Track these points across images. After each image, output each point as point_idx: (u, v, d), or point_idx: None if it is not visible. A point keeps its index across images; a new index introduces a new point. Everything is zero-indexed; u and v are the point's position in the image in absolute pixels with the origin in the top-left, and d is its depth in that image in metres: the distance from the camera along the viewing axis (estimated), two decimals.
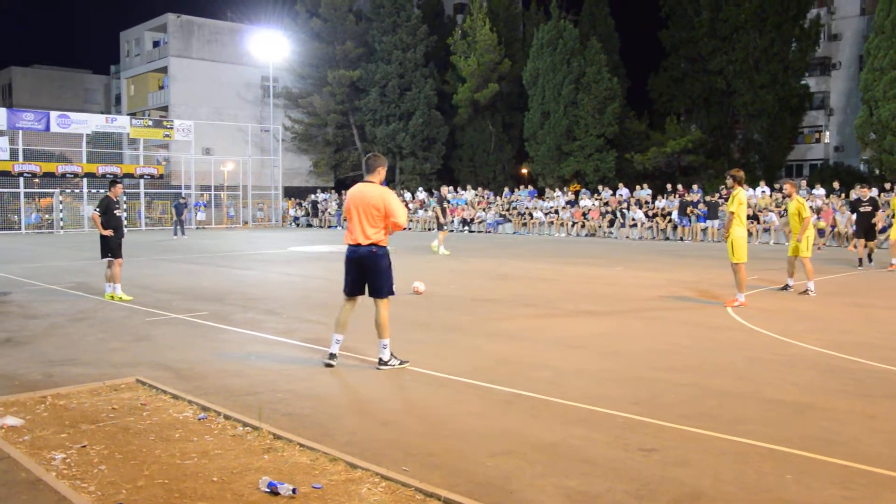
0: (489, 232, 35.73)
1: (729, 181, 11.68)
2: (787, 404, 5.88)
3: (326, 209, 44.76)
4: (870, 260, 17.58)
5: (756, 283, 13.43)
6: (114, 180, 12.77)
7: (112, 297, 12.20)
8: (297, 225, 45.76)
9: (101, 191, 38.04)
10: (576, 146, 43.37)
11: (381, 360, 7.21)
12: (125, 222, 27.74)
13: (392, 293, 7.36)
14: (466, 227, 36.89)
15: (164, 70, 51.57)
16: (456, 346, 8.35)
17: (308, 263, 19.21)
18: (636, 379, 6.74)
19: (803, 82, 41.99)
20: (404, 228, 7.33)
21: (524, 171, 51.90)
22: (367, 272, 7.24)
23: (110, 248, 12.24)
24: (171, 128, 42.50)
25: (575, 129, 43.31)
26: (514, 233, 35.08)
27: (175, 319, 10.16)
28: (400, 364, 7.23)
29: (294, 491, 4.12)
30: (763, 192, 29.39)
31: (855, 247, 18.67)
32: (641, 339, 8.72)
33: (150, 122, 42.69)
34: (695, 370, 7.06)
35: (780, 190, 30.26)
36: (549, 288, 13.70)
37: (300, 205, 47.52)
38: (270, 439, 5.02)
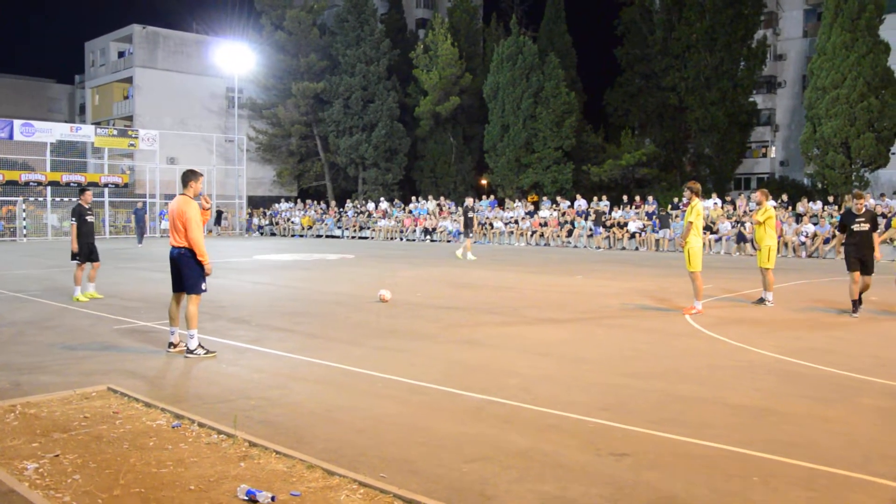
0: (451, 241, 35.72)
1: (686, 193, 11.80)
2: (748, 409, 5.94)
3: (290, 218, 44.41)
4: (860, 302, 11.37)
5: (711, 292, 13.61)
6: (83, 188, 12.95)
7: (84, 296, 12.42)
8: (262, 234, 45.29)
9: (66, 199, 37.31)
10: (534, 158, 43.65)
11: (188, 349, 7.89)
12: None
13: (200, 291, 8.05)
14: (428, 237, 36.84)
15: (129, 80, 50.64)
16: (425, 353, 8.29)
17: (275, 272, 18.99)
18: (603, 385, 6.76)
19: (751, 99, 42.98)
20: (203, 246, 8.08)
21: (484, 181, 52.07)
22: (179, 270, 8.06)
23: (81, 252, 12.53)
24: (136, 137, 41.80)
25: (534, 141, 43.60)
26: (476, 242, 35.08)
27: (143, 328, 9.94)
28: (206, 354, 7.88)
29: (273, 498, 4.03)
30: (715, 203, 29.89)
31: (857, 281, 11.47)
32: (605, 345, 8.75)
33: (115, 132, 41.93)
34: (659, 376, 7.10)
35: (731, 203, 30.85)
36: (512, 296, 13.72)
37: (264, 214, 47.07)
38: (246, 447, 4.91)
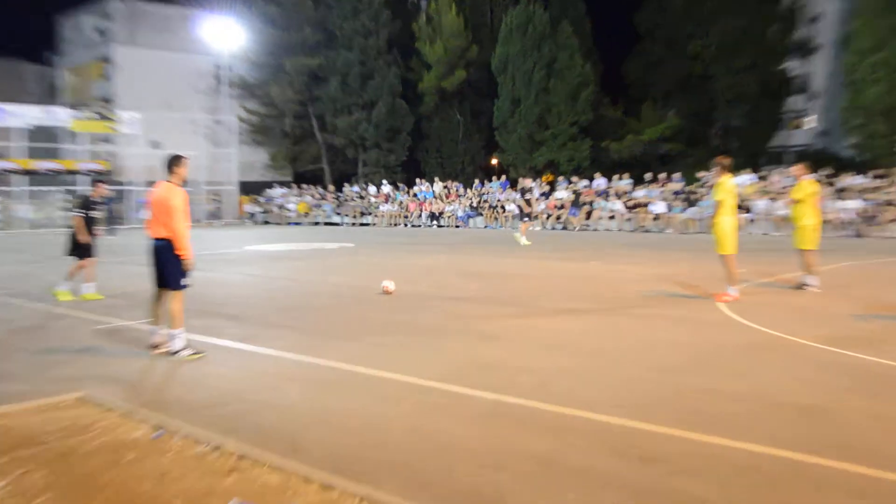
0: (459, 226, 35.59)
1: (716, 169, 11.61)
2: (792, 406, 5.79)
3: (284, 204, 44.36)
4: None
5: (747, 277, 13.42)
6: (97, 179, 13.13)
7: (67, 294, 12.26)
8: (254, 222, 45.28)
9: (43, 189, 37.29)
10: (548, 135, 43.45)
11: (172, 349, 7.85)
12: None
13: (181, 287, 8.00)
14: (435, 222, 36.72)
15: (107, 59, 50.48)
16: (431, 348, 8.17)
17: (268, 263, 18.91)
18: (627, 381, 6.62)
19: (783, 65, 42.39)
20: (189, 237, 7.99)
21: (494, 161, 51.89)
22: (158, 264, 8.02)
23: (81, 247, 12.35)
24: (117, 120, 41.68)
25: (547, 117, 43.38)
26: (486, 227, 35.00)
27: (124, 327, 9.84)
28: (192, 355, 7.78)
29: None
30: (751, 179, 29.58)
31: None
32: (628, 337, 8.61)
33: (94, 115, 41.80)
34: (690, 370, 6.95)
35: (764, 178, 30.57)
36: (525, 285, 13.60)
37: (257, 200, 47.05)
38: (236, 458, 4.79)
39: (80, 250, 12.38)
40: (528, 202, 23.70)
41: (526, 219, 23.65)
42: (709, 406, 5.81)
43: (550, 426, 5.40)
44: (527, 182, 24.88)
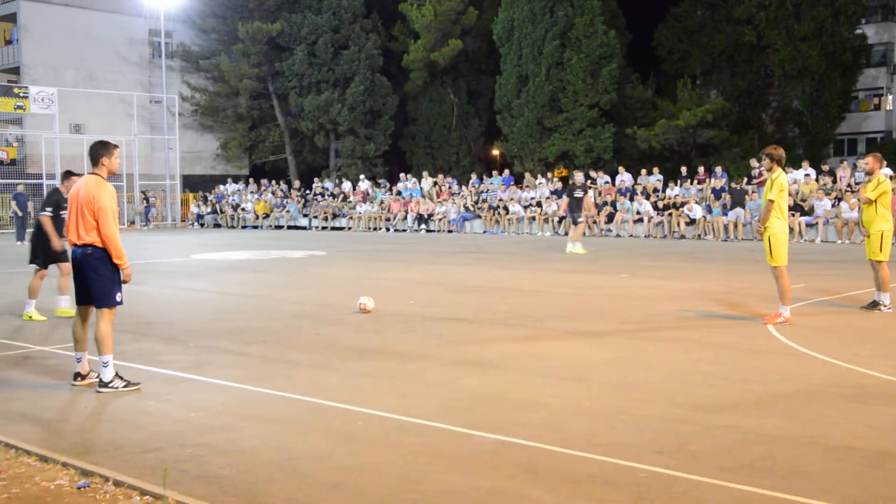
0: (452, 231, 35.67)
1: (766, 162, 11.71)
2: (861, 452, 5.86)
3: (239, 204, 44.40)
4: None
5: (803, 294, 13.53)
6: (69, 172, 12.60)
7: (47, 313, 12.44)
8: (202, 225, 45.29)
9: None
10: (562, 120, 43.59)
11: (101, 381, 7.85)
12: None
13: (115, 303, 8.05)
14: (423, 226, 36.80)
15: (11, 18, 49.96)
16: (420, 379, 8.23)
17: (220, 275, 18.94)
18: (657, 420, 6.69)
19: (859, 31, 42.08)
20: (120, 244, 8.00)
21: (495, 152, 52.02)
22: (84, 277, 8.01)
23: (47, 252, 12.30)
24: (26, 97, 41.57)
25: (561, 97, 43.53)
26: (485, 232, 35.09)
27: (41, 353, 9.87)
28: (125, 387, 7.84)
29: None
30: (807, 175, 29.75)
31: None
32: (659, 367, 8.69)
33: None
34: (733, 408, 7.03)
35: (830, 173, 30.69)
36: (534, 302, 13.67)
37: (205, 199, 47.06)
38: None
39: (48, 257, 12.32)
40: (577, 202, 23.61)
41: (580, 220, 23.68)
42: (756, 451, 5.87)
43: (564, 474, 5.46)
44: (579, 176, 24.88)
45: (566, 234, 31.48)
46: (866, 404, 7.13)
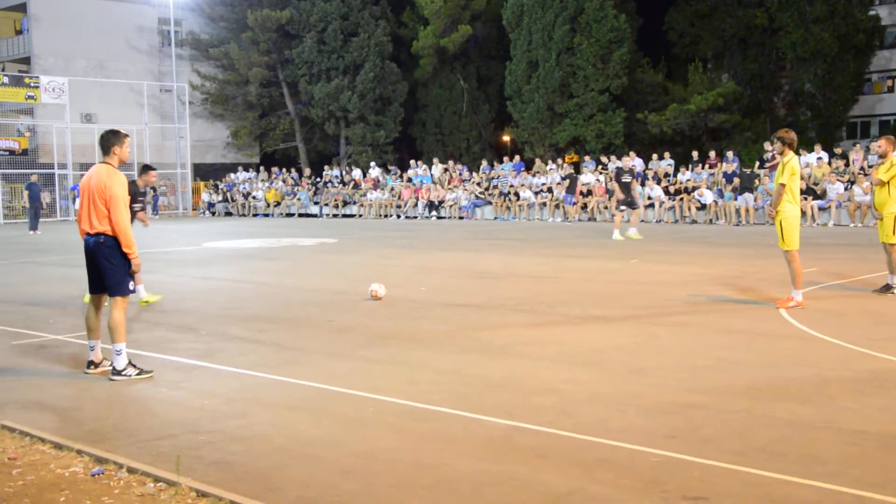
0: (463, 217, 35.67)
1: (777, 145, 11.67)
2: (874, 436, 5.85)
3: (249, 193, 44.44)
4: None
5: (816, 278, 13.49)
6: (147, 166, 13.18)
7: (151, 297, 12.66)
8: (213, 213, 45.37)
9: None
10: (573, 105, 43.49)
11: (114, 369, 7.93)
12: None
13: (128, 292, 8.16)
14: (434, 213, 36.80)
15: (21, 8, 50.05)
16: (431, 366, 8.25)
17: (231, 263, 19.00)
18: (669, 405, 6.70)
19: (872, 12, 41.77)
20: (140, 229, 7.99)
21: (506, 138, 51.93)
22: (98, 265, 8.09)
23: None
24: (37, 87, 41.64)
25: (571, 82, 43.40)
26: (496, 218, 35.08)
27: (54, 342, 9.92)
28: (139, 375, 7.92)
29: None
30: (819, 158, 29.62)
31: None
32: (671, 352, 8.69)
33: (7, 80, 41.70)
34: (745, 392, 7.03)
35: (843, 157, 30.56)
36: (546, 288, 13.68)
37: (216, 187, 47.10)
38: (193, 497, 4.88)
39: None
40: (625, 186, 23.40)
41: (623, 207, 23.53)
42: (768, 435, 5.88)
43: (575, 459, 5.48)
44: (626, 161, 24.76)
45: (581, 219, 31.50)
46: (880, 388, 7.11)
